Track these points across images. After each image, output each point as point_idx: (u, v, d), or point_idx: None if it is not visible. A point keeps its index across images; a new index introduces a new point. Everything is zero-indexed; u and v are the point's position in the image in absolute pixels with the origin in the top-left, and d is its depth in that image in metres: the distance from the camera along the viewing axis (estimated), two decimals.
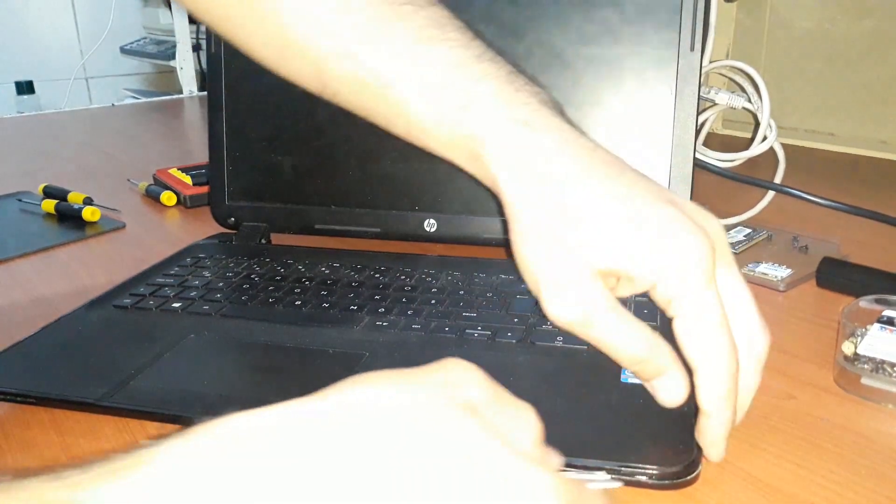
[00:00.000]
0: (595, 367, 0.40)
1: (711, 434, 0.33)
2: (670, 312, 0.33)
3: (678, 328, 0.33)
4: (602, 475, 0.32)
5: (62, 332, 0.46)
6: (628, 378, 0.38)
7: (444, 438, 0.22)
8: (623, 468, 0.32)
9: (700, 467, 0.33)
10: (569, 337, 0.42)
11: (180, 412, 0.37)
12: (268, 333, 0.45)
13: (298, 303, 0.49)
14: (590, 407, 0.36)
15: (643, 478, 0.32)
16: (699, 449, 0.33)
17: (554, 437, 0.34)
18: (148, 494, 0.19)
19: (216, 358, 0.44)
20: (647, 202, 0.33)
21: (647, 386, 0.35)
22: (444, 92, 0.38)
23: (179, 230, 0.72)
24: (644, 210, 0.33)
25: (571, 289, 0.33)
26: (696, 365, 0.32)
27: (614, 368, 0.39)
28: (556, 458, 0.26)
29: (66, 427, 0.39)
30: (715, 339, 0.32)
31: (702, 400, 0.32)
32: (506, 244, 0.56)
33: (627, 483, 0.32)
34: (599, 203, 0.33)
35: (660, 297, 0.33)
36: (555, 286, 0.33)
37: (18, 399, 0.40)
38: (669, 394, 0.34)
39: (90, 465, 0.20)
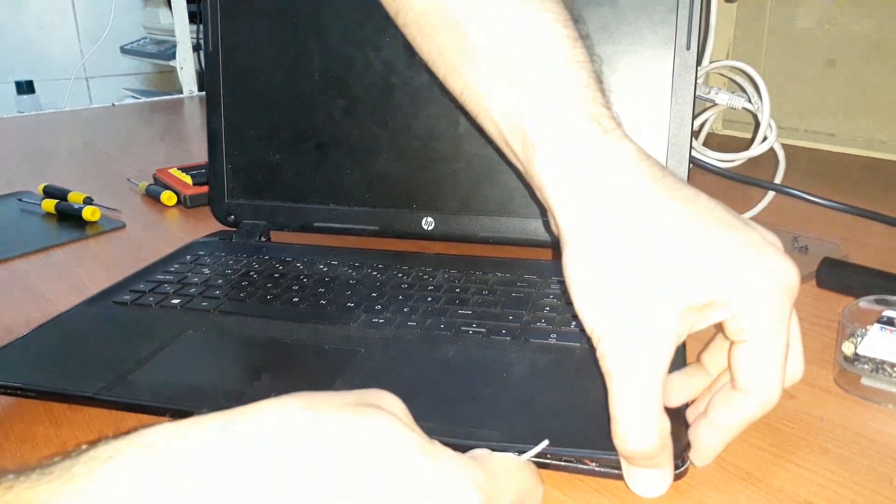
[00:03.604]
0: (588, 363, 0.40)
1: (712, 444, 0.33)
2: (736, 338, 0.31)
3: (740, 353, 0.31)
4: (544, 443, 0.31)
5: (62, 328, 0.46)
6: None
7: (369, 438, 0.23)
8: (613, 458, 0.32)
9: (689, 461, 0.33)
10: (562, 334, 0.43)
11: (177, 406, 0.37)
12: (265, 330, 0.45)
13: (296, 300, 0.49)
14: (582, 401, 0.36)
15: None
16: (687, 442, 0.33)
17: (547, 429, 0.34)
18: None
19: (214, 353, 0.44)
20: (732, 225, 0.31)
21: (624, 467, 0.32)
22: (529, 62, 0.33)
23: (179, 230, 0.72)
24: (733, 235, 0.30)
25: (638, 343, 0.29)
26: (744, 389, 0.31)
27: None
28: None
29: (65, 422, 0.39)
30: (775, 375, 0.31)
31: (727, 417, 0.32)
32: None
33: (620, 477, 0.32)
34: (687, 228, 0.30)
35: (734, 325, 0.30)
36: (618, 334, 0.29)
37: (19, 393, 0.40)
38: (646, 486, 0.31)
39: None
